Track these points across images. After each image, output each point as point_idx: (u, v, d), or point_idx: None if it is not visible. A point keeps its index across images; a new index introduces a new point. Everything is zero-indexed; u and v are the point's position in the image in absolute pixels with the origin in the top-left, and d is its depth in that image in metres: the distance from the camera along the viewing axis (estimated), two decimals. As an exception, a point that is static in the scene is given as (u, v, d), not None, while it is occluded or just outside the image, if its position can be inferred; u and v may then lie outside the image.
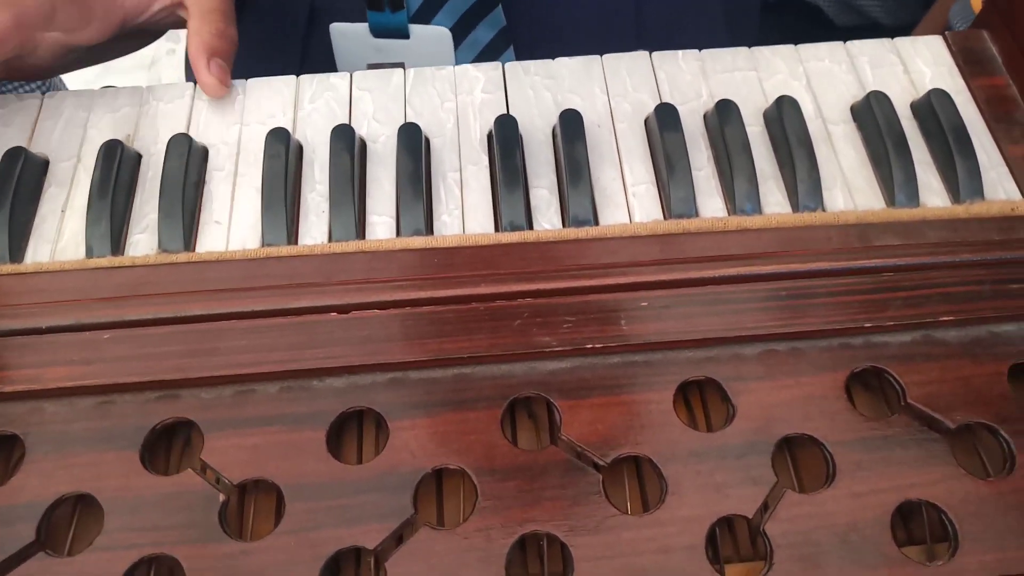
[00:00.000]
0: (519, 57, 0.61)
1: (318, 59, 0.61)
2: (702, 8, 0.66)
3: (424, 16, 0.58)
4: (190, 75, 0.50)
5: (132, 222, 0.44)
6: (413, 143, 0.45)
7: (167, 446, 0.37)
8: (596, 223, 0.43)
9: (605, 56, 0.50)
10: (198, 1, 0.49)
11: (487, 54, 0.60)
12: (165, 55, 1.76)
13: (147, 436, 0.35)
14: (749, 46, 0.51)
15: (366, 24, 0.58)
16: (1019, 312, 0.39)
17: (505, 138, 0.45)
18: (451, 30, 0.59)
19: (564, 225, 0.43)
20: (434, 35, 0.58)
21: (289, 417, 0.36)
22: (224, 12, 0.50)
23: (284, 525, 0.33)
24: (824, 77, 0.49)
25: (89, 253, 0.42)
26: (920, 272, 0.40)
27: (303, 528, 0.33)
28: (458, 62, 0.60)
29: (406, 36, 0.57)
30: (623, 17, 0.62)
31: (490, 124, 0.47)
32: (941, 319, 0.38)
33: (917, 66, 0.50)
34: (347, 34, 0.49)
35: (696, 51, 0.50)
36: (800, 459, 0.37)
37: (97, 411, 0.36)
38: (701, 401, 0.39)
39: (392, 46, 0.57)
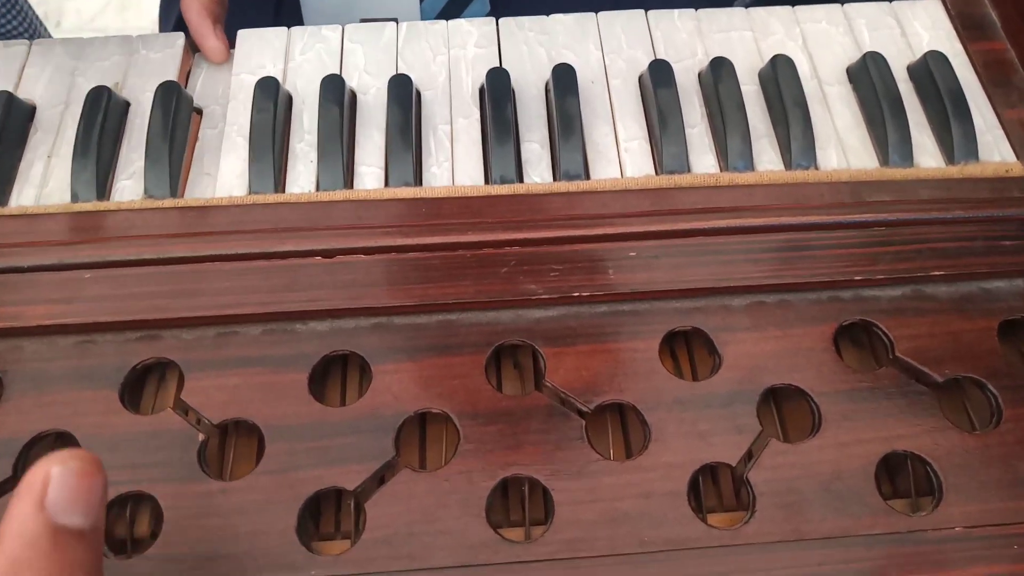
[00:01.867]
0: (493, 7, 0.60)
1: (293, 8, 0.60)
2: None
3: None
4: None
5: (118, 169, 0.43)
6: (403, 94, 0.44)
7: (148, 386, 0.37)
8: (587, 178, 0.43)
9: (600, 13, 0.49)
10: None
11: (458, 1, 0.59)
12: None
13: (127, 375, 0.35)
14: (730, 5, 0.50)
15: None
16: (1010, 269, 0.38)
17: (497, 91, 0.44)
18: None
19: (555, 179, 0.43)
20: None
21: (271, 359, 0.35)
22: None
23: (264, 465, 0.33)
24: (820, 38, 0.49)
25: (74, 198, 0.41)
26: (911, 227, 0.39)
27: (283, 468, 0.33)
28: (430, 7, 0.60)
29: None
30: None
31: (482, 79, 0.46)
32: (932, 274, 0.38)
33: (915, 29, 0.50)
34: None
35: (692, 10, 0.50)
36: (786, 410, 0.37)
37: (77, 350, 0.35)
38: (687, 353, 0.38)
39: None
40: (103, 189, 0.42)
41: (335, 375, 0.37)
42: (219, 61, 0.47)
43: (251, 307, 0.36)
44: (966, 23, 0.50)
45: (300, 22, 0.59)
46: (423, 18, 0.59)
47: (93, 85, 0.45)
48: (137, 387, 0.37)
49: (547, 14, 0.49)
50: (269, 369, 0.35)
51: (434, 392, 0.34)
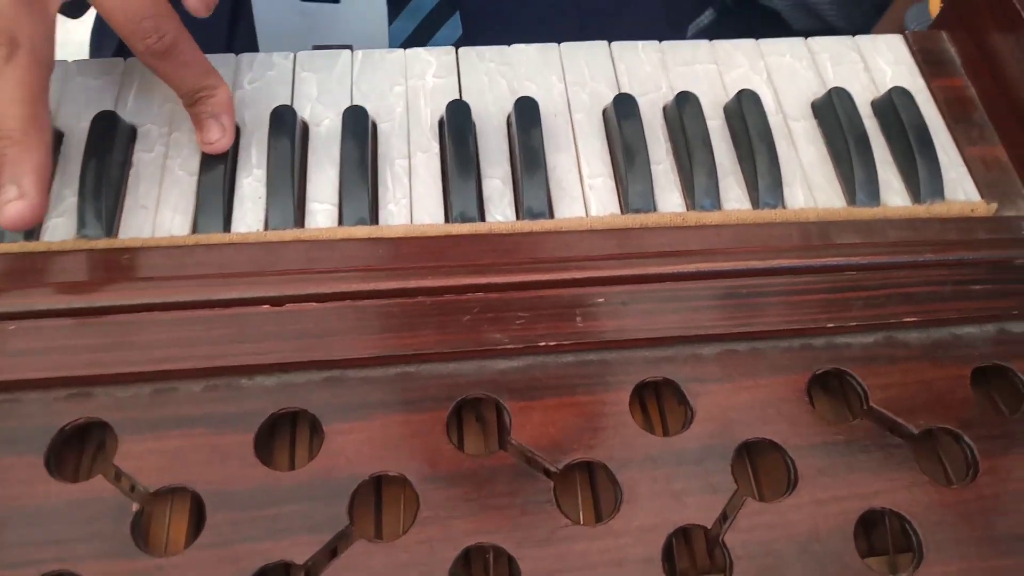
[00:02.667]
0: (464, 26, 0.58)
1: (248, 32, 0.57)
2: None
3: None
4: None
5: (50, 205, 0.40)
6: (359, 127, 0.42)
7: (78, 450, 0.34)
8: (551, 216, 0.41)
9: (563, 44, 0.48)
10: None
11: (431, 20, 0.57)
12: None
13: (54, 438, 0.32)
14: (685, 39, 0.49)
15: None
16: (980, 314, 0.38)
17: (457, 125, 0.42)
18: None
19: (518, 217, 0.41)
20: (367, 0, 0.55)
21: (214, 418, 0.33)
22: None
23: (204, 538, 0.30)
24: (785, 73, 0.48)
25: (-1, 238, 0.38)
26: (882, 271, 0.38)
27: (225, 541, 0.30)
28: (399, 29, 0.58)
29: (336, 0, 0.54)
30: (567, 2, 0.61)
31: (442, 110, 0.44)
32: (904, 320, 0.37)
33: (878, 64, 0.49)
34: (272, -5, 0.45)
35: (656, 43, 0.49)
36: (760, 465, 0.35)
37: (-2, 410, 0.32)
38: (657, 404, 0.37)
39: (319, 11, 0.53)
40: (32, 228, 0.39)
41: (283, 434, 0.35)
42: (199, 15, 0.39)
43: (192, 361, 0.33)
44: (927, 59, 0.50)
45: (255, 47, 0.57)
46: (391, 43, 0.57)
47: (22, 114, 0.41)
48: (67, 451, 0.33)
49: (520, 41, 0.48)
50: (211, 430, 0.32)
51: (391, 453, 0.32)
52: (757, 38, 0.50)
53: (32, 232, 0.39)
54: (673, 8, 0.67)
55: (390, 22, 0.56)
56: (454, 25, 0.57)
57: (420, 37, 0.57)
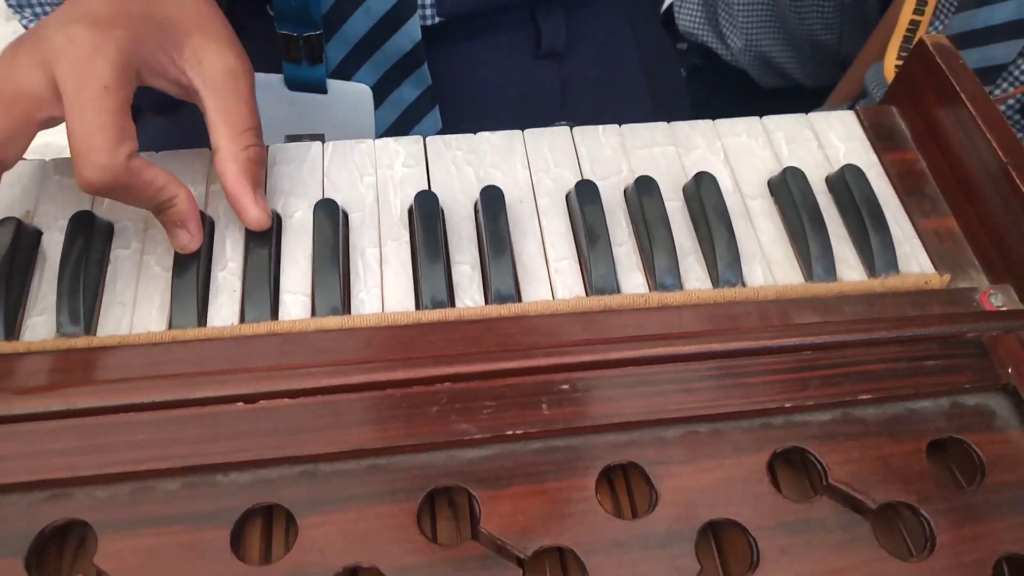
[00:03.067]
0: (444, 117, 0.60)
1: None
2: (628, 96, 0.67)
3: (345, 71, 0.57)
4: None
5: (29, 304, 0.41)
6: (330, 218, 0.44)
7: (59, 548, 0.35)
8: (519, 299, 0.43)
9: (527, 131, 0.50)
10: (225, 114, 0.41)
11: (411, 113, 0.59)
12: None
13: (34, 541, 0.33)
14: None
15: (281, 75, 0.56)
16: (934, 389, 0.39)
17: (426, 213, 0.44)
18: (374, 87, 0.57)
19: (487, 301, 0.43)
20: (353, 92, 0.57)
21: (191, 516, 0.33)
22: (256, 129, 0.43)
23: (181, 638, 0.31)
24: (741, 152, 0.50)
25: (-21, 338, 0.39)
26: (839, 350, 0.40)
27: (202, 641, 0.31)
28: (381, 120, 0.60)
29: (323, 91, 0.56)
30: (550, 95, 0.63)
31: (411, 199, 0.46)
32: (860, 397, 0.38)
33: (831, 140, 0.51)
34: (259, 84, 0.46)
35: (616, 126, 0.51)
36: (725, 545, 0.36)
37: (-24, 516, 0.33)
38: (625, 480, 0.38)
39: (308, 100, 0.55)
40: (12, 327, 0.40)
41: (258, 527, 0.36)
42: (260, 230, 0.43)
43: (169, 461, 0.34)
44: (879, 133, 0.52)
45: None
46: (376, 133, 0.59)
47: (2, 215, 0.43)
48: (47, 553, 0.34)
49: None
50: (188, 527, 0.33)
51: (364, 546, 0.33)
52: (726, 95, 0.53)
53: (12, 331, 0.40)
54: (661, 101, 0.69)
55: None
56: (434, 118, 0.59)
57: (401, 128, 0.60)
